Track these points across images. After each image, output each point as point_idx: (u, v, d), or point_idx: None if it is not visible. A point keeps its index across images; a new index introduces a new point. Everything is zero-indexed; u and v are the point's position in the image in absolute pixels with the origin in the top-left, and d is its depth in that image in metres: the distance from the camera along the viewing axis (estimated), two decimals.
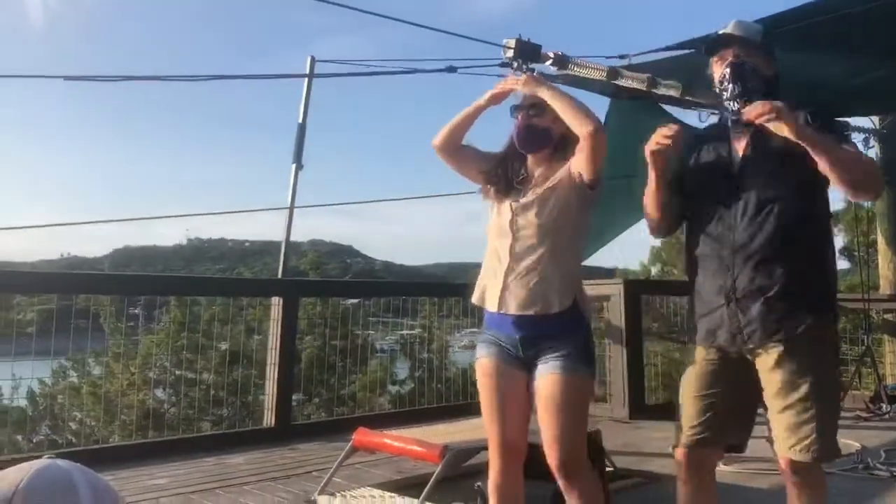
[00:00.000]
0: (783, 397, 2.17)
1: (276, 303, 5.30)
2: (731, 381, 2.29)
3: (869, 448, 4.55)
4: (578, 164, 2.37)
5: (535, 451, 2.50)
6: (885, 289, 7.41)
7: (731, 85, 2.30)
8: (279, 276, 5.80)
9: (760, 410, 2.36)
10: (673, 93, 4.53)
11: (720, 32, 2.39)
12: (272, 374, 5.20)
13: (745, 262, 2.23)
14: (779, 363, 2.18)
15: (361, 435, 3.66)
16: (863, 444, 4.62)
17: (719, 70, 2.34)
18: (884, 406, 6.02)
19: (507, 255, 2.42)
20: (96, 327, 8.56)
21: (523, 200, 2.44)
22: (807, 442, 2.14)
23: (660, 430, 5.22)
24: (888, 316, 7.12)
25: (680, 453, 2.35)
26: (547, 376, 2.35)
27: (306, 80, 5.61)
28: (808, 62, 4.57)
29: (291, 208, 5.66)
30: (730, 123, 2.34)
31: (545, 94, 2.43)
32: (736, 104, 2.29)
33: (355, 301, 7.44)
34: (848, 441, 4.72)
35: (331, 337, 7.32)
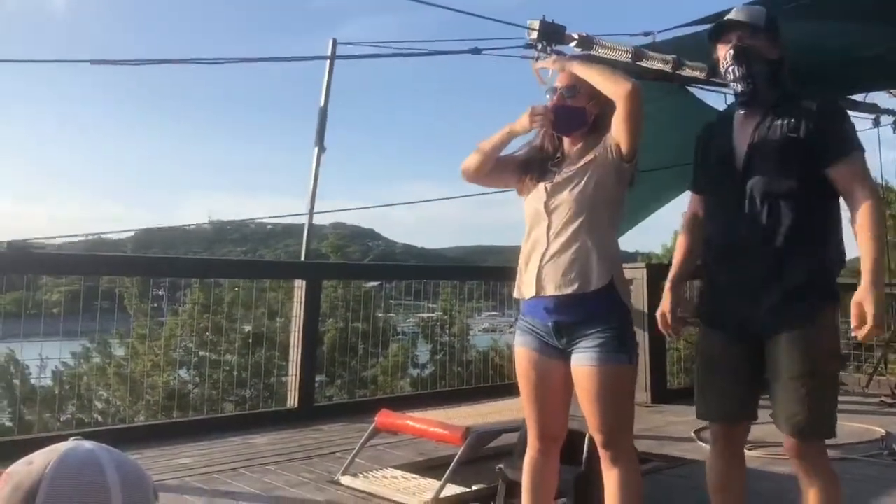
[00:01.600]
0: (782, 377, 2.21)
1: (300, 285, 5.33)
2: (742, 358, 2.32)
3: (893, 434, 4.51)
4: (616, 132, 2.31)
5: (569, 436, 2.52)
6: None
7: (733, 67, 2.31)
8: (302, 258, 5.83)
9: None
10: (698, 74, 4.48)
11: (723, 18, 2.39)
12: (295, 355, 5.24)
13: (753, 252, 2.26)
14: (781, 346, 2.21)
15: (384, 416, 3.68)
16: (887, 430, 4.59)
17: (724, 54, 2.35)
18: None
19: (543, 238, 2.36)
20: (121, 308, 8.68)
21: (557, 179, 2.39)
22: (799, 418, 2.18)
23: (681, 414, 5.21)
24: None
25: (710, 430, 2.44)
26: (582, 368, 2.30)
27: (328, 63, 5.60)
28: (824, 33, 4.49)
29: (314, 191, 5.67)
30: (735, 108, 2.37)
31: (576, 69, 2.39)
32: (740, 87, 2.32)
33: (376, 284, 7.48)
34: (872, 427, 4.69)
35: (352, 319, 7.36)
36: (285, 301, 6.12)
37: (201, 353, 8.44)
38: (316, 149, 5.67)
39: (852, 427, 4.63)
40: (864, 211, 2.19)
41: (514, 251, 2.54)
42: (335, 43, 5.49)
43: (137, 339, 8.52)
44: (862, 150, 2.28)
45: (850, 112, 6.54)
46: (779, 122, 2.26)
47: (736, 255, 2.31)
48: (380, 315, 7.88)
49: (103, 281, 5.71)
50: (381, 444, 4.16)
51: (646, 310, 5.99)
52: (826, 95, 2.32)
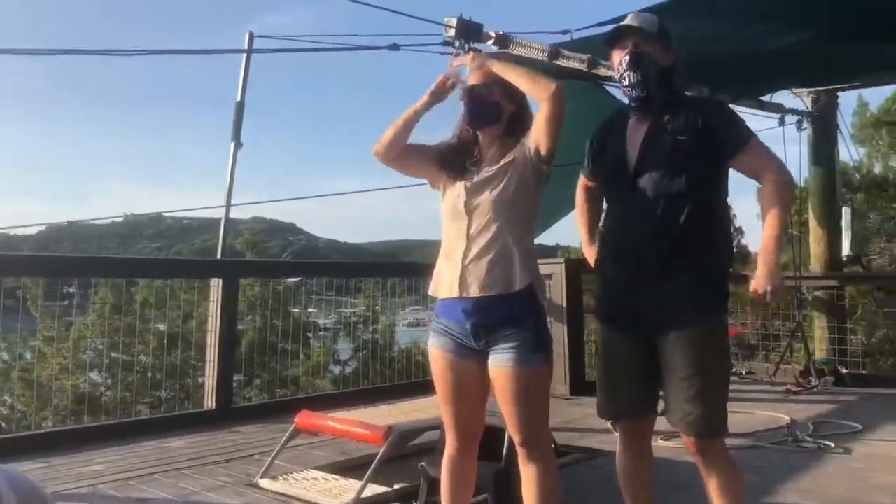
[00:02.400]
0: (674, 376, 2.28)
1: (216, 284, 5.20)
2: (639, 354, 2.39)
3: (798, 421, 4.72)
4: (537, 132, 2.32)
5: (487, 433, 2.54)
6: (815, 267, 7.67)
7: (629, 73, 2.38)
8: (218, 256, 5.69)
9: None
10: (613, 73, 4.56)
11: (618, 24, 2.46)
12: (212, 356, 5.12)
13: (646, 250, 2.33)
14: (672, 344, 2.29)
15: (304, 417, 3.63)
16: (792, 417, 4.80)
17: (619, 60, 2.42)
18: (812, 380, 6.25)
19: (462, 238, 2.36)
20: (26, 309, 8.31)
21: (476, 179, 2.38)
22: (691, 418, 2.26)
23: None
24: (818, 293, 7.37)
25: (614, 427, 2.52)
26: (499, 369, 2.31)
27: (244, 56, 5.47)
28: (724, 34, 4.66)
29: (230, 187, 5.54)
30: (629, 111, 2.46)
31: (496, 67, 2.39)
32: (634, 92, 2.39)
33: (297, 279, 7.35)
34: (778, 414, 4.90)
35: (271, 317, 7.23)
36: (201, 300, 5.98)
37: (113, 355, 8.16)
38: (232, 144, 5.53)
39: (759, 415, 4.83)
40: (767, 191, 2.35)
41: (438, 246, 2.54)
42: (252, 36, 5.37)
43: (44, 342, 8.17)
44: (755, 134, 2.40)
45: (756, 112, 6.85)
46: (669, 124, 2.35)
47: (630, 253, 2.39)
48: (299, 311, 7.76)
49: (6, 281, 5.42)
50: (302, 445, 4.11)
51: (565, 304, 6.11)
52: (710, 99, 2.42)
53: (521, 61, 4.74)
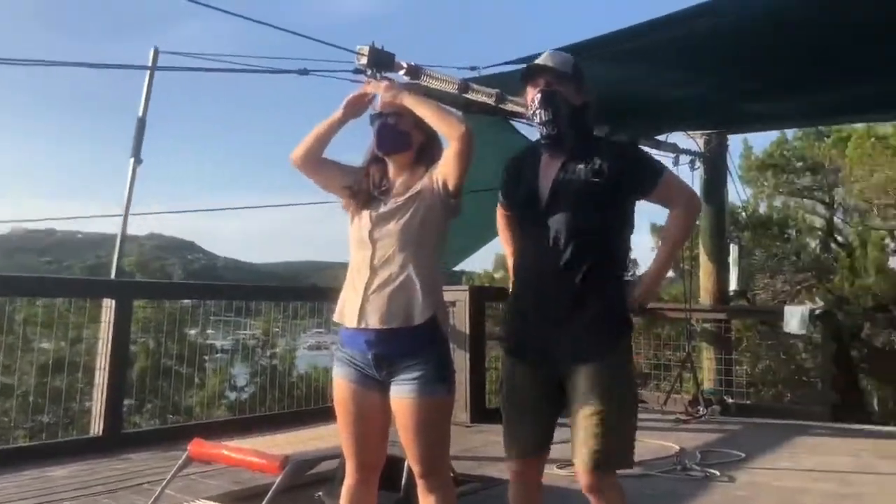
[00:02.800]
0: (582, 411, 2.32)
1: (108, 305, 5.00)
2: (543, 390, 2.43)
3: (686, 449, 4.90)
4: (445, 168, 2.35)
5: (388, 463, 2.54)
6: (705, 299, 8.02)
7: (540, 111, 2.44)
8: (112, 275, 5.48)
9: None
10: (520, 109, 4.69)
11: (533, 63, 2.51)
12: (101, 379, 4.90)
13: (555, 285, 2.39)
14: (580, 379, 2.33)
15: (197, 445, 3.52)
16: (681, 445, 4.98)
17: (532, 97, 2.48)
18: (701, 409, 6.51)
19: (366, 267, 2.36)
20: None
21: (383, 209, 2.40)
22: (598, 455, 2.29)
23: (499, 433, 5.35)
24: (707, 325, 7.70)
25: (510, 464, 2.51)
26: (401, 400, 2.32)
27: (148, 73, 5.33)
28: (632, 77, 4.91)
29: (128, 205, 5.36)
30: (541, 148, 2.51)
31: (408, 101, 2.40)
32: (545, 130, 2.45)
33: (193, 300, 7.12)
34: (667, 443, 5.08)
35: (165, 340, 6.96)
36: (89, 321, 5.71)
37: None
38: (132, 160, 5.36)
39: (650, 444, 4.99)
40: (671, 218, 2.48)
41: (342, 267, 2.53)
42: (157, 52, 5.23)
43: None
44: (665, 168, 2.51)
45: (653, 151, 7.18)
46: (581, 165, 2.41)
47: (539, 289, 2.43)
48: (195, 333, 7.50)
49: None
50: (195, 474, 3.98)
51: (468, 331, 6.16)
52: (620, 141, 2.52)
53: (431, 93, 4.84)
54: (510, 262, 2.74)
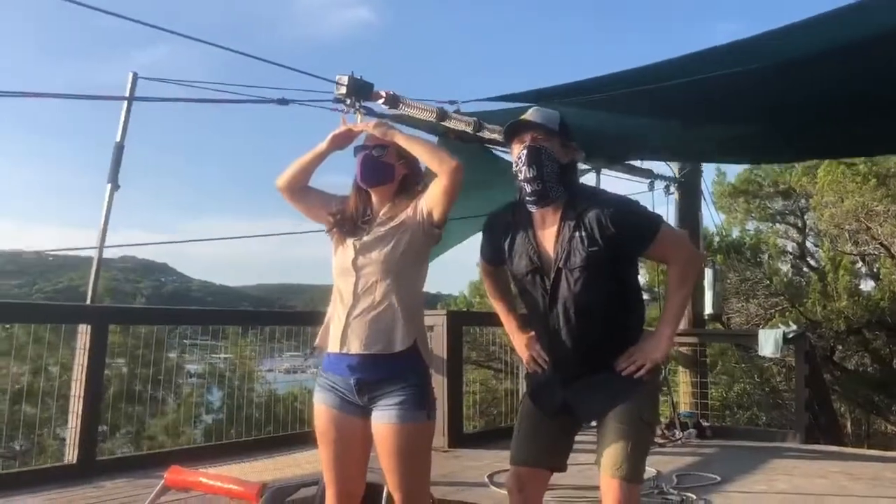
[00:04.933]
0: (608, 438, 2.38)
1: (84, 330, 4.96)
2: (560, 430, 2.52)
3: (663, 473, 4.93)
4: (433, 200, 2.40)
5: (367, 490, 2.55)
6: (680, 323, 8.10)
7: (525, 168, 2.42)
8: (88, 300, 5.43)
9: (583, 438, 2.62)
10: (497, 136, 4.75)
11: (520, 118, 2.50)
12: (76, 406, 4.84)
13: (571, 355, 2.43)
14: (610, 420, 2.40)
15: (174, 473, 3.49)
16: (658, 469, 5.01)
17: (517, 153, 2.46)
18: (677, 432, 6.56)
19: (350, 295, 2.41)
20: None
21: (366, 239, 2.45)
22: (618, 465, 2.34)
23: (477, 458, 5.39)
24: (683, 348, 7.78)
25: (512, 469, 2.54)
26: (383, 426, 2.35)
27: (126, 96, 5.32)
28: (609, 121, 5.05)
29: (104, 231, 5.32)
30: (528, 206, 2.49)
31: (399, 139, 2.46)
32: (529, 188, 2.43)
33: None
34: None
35: (137, 363, 6.88)
36: (63, 345, 5.64)
37: None
38: (109, 185, 5.33)
39: None
40: (671, 275, 2.48)
41: (319, 290, 2.58)
42: (135, 77, 5.22)
43: None
44: (660, 220, 2.49)
45: (627, 177, 7.26)
46: (576, 233, 2.38)
47: (556, 356, 2.48)
48: (172, 355, 7.44)
49: None
50: (170, 501, 3.94)
51: (445, 356, 6.17)
52: (609, 198, 2.50)
53: (407, 121, 4.90)
54: (510, 325, 2.73)
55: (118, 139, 5.22)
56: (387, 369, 2.36)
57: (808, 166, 12.43)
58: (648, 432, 2.52)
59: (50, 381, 7.39)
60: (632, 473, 2.34)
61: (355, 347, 2.36)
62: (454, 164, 2.37)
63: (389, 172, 2.50)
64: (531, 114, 2.51)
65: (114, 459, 5.86)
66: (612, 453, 2.34)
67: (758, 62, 3.96)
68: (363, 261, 2.42)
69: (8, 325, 7.09)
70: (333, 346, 2.40)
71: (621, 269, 2.46)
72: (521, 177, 2.44)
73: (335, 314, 2.45)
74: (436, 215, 2.42)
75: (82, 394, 4.82)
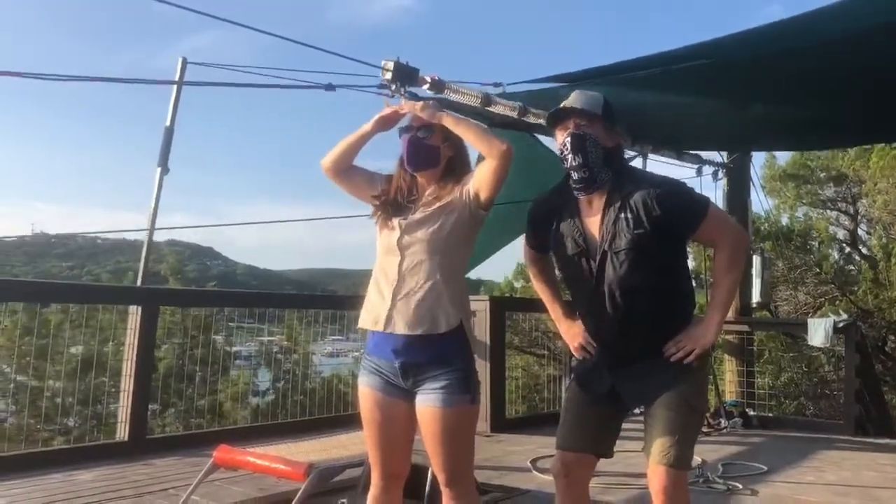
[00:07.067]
0: (657, 423, 2.37)
1: (135, 311, 5.08)
2: (607, 417, 2.53)
3: (708, 462, 4.88)
4: (481, 181, 2.40)
5: (412, 472, 2.57)
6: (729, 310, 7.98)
7: (571, 156, 2.41)
8: (139, 282, 5.56)
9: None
10: (542, 122, 4.72)
11: (561, 105, 2.47)
12: (128, 385, 4.98)
13: (619, 341, 2.43)
14: (658, 406, 2.39)
15: (223, 452, 3.56)
16: (703, 458, 4.96)
17: (561, 140, 2.45)
18: (723, 422, 6.48)
19: (395, 274, 2.41)
20: None
21: (412, 217, 2.44)
22: (666, 451, 2.33)
23: (519, 443, 5.41)
24: (729, 337, 7.66)
25: (558, 454, 2.55)
26: (427, 409, 2.36)
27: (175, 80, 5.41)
28: (665, 103, 4.96)
29: (154, 214, 5.44)
30: (576, 193, 2.47)
31: (447, 122, 2.46)
32: (576, 175, 2.42)
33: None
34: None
35: (188, 344, 7.04)
36: (118, 323, 5.79)
37: (19, 378, 7.79)
38: (159, 169, 5.44)
39: None
40: (718, 259, 2.45)
41: (360, 275, 2.58)
42: (185, 62, 5.31)
43: None
44: (707, 202, 2.46)
45: (675, 162, 7.16)
46: (622, 215, 2.36)
47: (603, 340, 2.48)
48: (219, 338, 7.58)
49: None
50: (219, 480, 4.02)
51: (488, 341, 6.18)
52: (657, 179, 2.48)
53: (453, 106, 4.90)
54: (556, 311, 2.72)
55: (168, 123, 5.31)
56: (432, 351, 2.36)
57: (862, 150, 12.07)
58: (697, 419, 2.51)
59: (107, 358, 7.59)
60: (679, 460, 2.32)
61: (401, 328, 2.36)
62: (504, 146, 2.36)
63: (435, 155, 2.50)
64: (573, 99, 2.48)
65: (164, 438, 6.00)
66: (660, 440, 2.33)
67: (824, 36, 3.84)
68: (409, 240, 2.42)
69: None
70: (378, 326, 2.41)
71: (668, 253, 2.43)
72: (566, 164, 2.44)
73: (378, 295, 2.45)
74: (483, 197, 2.42)
75: (133, 373, 4.95)
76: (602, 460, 2.59)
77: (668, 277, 2.45)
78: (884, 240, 12.34)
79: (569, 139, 2.41)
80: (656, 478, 2.33)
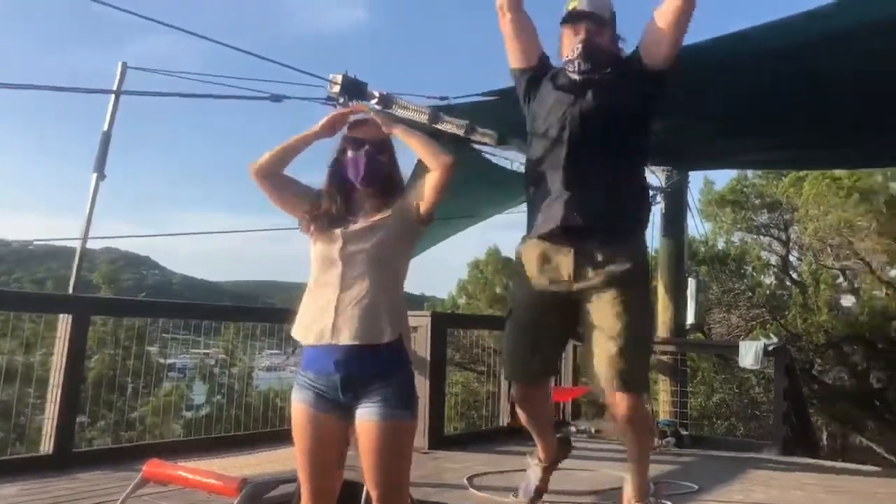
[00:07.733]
0: (602, 335, 2.45)
1: (65, 320, 4.92)
2: (555, 313, 2.60)
3: (660, 481, 4.93)
4: (424, 193, 2.42)
5: (345, 487, 2.54)
6: (662, 332, 8.14)
7: (579, 61, 2.62)
8: (70, 290, 5.39)
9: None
10: (488, 140, 4.78)
11: (576, 8, 2.64)
12: (54, 396, 4.80)
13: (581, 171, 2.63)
14: (602, 302, 2.47)
15: (153, 466, 3.46)
16: (653, 480, 5.01)
17: (570, 41, 2.64)
18: (656, 441, 6.58)
19: (336, 285, 2.39)
20: None
21: (354, 228, 2.43)
22: (621, 374, 2.42)
23: (456, 461, 5.39)
24: (664, 357, 7.82)
25: (517, 385, 2.71)
26: (365, 423, 2.34)
27: (115, 85, 5.29)
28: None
29: (88, 221, 5.29)
30: (572, 75, 2.67)
31: (399, 132, 2.48)
32: (578, 78, 2.64)
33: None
34: (622, 474, 5.10)
35: (121, 355, 6.85)
36: (45, 333, 5.60)
37: None
38: (94, 175, 5.30)
39: (606, 474, 5.02)
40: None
41: (298, 288, 2.54)
42: (125, 67, 5.20)
43: None
44: None
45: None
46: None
47: (561, 203, 2.71)
48: (153, 349, 7.39)
49: None
50: (148, 495, 3.90)
51: (428, 357, 6.17)
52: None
53: (400, 121, 4.91)
54: None
55: (105, 128, 5.18)
56: (373, 363, 2.35)
57: (795, 177, 12.51)
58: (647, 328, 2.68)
59: (31, 368, 7.32)
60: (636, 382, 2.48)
61: (346, 338, 2.33)
62: (449, 159, 2.39)
63: (384, 171, 2.51)
64: (586, 2, 2.63)
65: (91, 451, 5.79)
66: (610, 363, 2.44)
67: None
68: (350, 250, 2.41)
69: None
70: (320, 338, 2.37)
71: (636, 138, 2.64)
72: (570, 68, 2.65)
73: (317, 307, 2.41)
74: (424, 209, 2.44)
75: (61, 383, 4.79)
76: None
77: (634, 152, 2.73)
78: (813, 266, 12.79)
79: (580, 47, 2.60)
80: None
